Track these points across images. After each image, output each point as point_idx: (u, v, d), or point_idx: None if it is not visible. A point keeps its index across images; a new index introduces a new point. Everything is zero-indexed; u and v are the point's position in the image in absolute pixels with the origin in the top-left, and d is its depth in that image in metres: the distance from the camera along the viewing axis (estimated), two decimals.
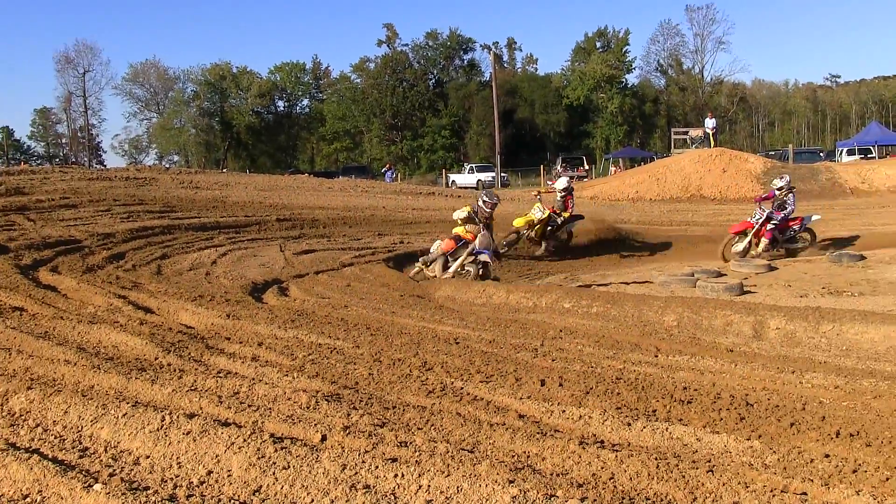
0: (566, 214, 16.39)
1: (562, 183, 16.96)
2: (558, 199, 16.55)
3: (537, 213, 15.87)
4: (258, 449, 3.45)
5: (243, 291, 9.36)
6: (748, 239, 14.84)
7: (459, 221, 12.79)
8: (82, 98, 78.91)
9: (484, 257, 12.14)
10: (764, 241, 14.84)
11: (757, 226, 14.82)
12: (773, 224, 14.88)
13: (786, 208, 14.98)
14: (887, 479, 3.41)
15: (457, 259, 12.34)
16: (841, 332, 6.99)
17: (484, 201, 13.15)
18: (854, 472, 3.50)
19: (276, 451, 3.43)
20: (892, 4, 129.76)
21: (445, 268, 12.28)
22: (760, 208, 14.86)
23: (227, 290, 9.36)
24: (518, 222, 15.97)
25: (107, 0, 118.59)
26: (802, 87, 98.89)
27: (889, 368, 5.90)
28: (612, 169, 57.67)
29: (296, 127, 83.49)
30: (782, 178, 15.77)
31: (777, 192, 15.14)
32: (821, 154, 54.00)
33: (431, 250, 12.83)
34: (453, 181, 54.18)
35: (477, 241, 12.22)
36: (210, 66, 78.30)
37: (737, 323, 7.62)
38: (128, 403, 4.04)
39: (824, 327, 7.09)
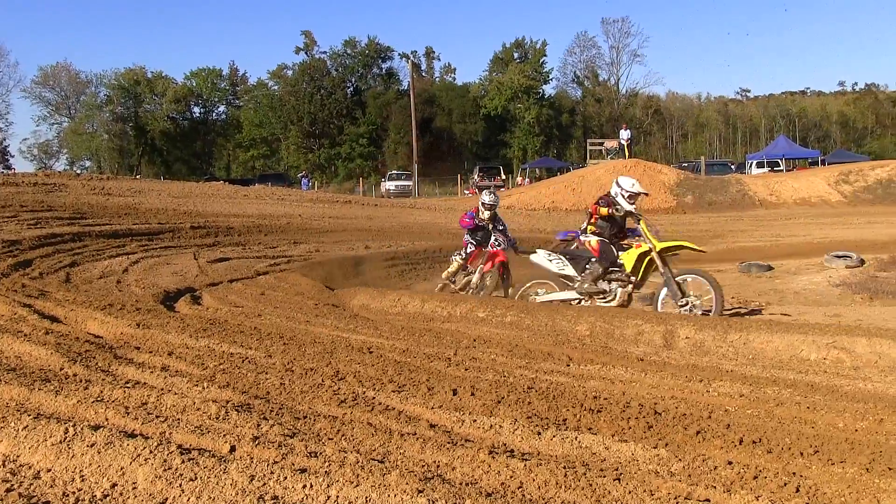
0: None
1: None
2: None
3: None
4: (165, 461, 3.39)
5: (155, 300, 9.18)
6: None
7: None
8: None
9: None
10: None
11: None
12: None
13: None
14: (785, 485, 3.52)
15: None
16: (748, 341, 7.16)
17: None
18: (755, 478, 3.60)
19: (183, 462, 3.37)
20: (798, 24, 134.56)
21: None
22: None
23: (139, 299, 9.17)
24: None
25: (15, 0, 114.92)
26: (714, 100, 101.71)
27: (792, 376, 6.08)
28: (519, 180, 58.34)
29: (212, 133, 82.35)
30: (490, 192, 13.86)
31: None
32: (731, 166, 55.63)
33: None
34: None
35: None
36: (124, 70, 76.71)
37: (648, 332, 7.75)
38: (29, 416, 3.92)
39: (732, 336, 7.26)
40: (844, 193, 34.82)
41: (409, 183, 55.18)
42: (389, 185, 55.44)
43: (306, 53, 78.63)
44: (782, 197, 34.75)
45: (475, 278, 12.25)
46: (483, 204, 12.44)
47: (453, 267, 12.57)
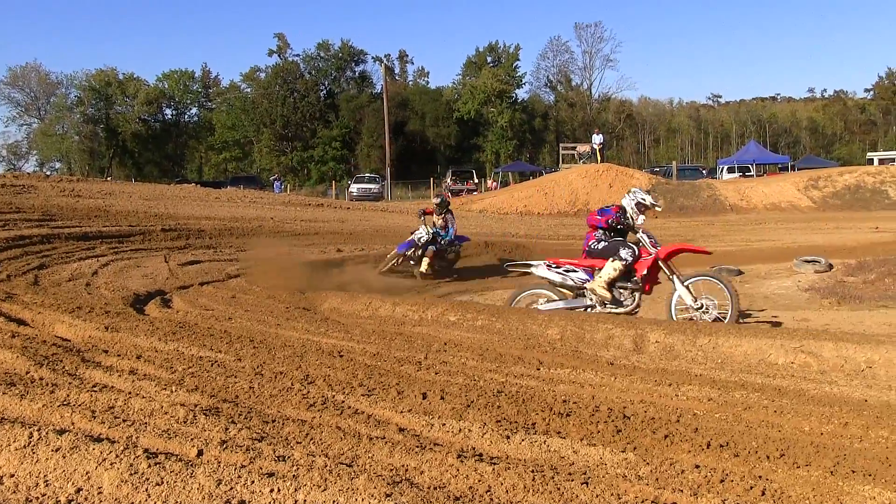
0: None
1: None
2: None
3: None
4: (131, 465, 3.36)
5: (124, 303, 9.10)
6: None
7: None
8: None
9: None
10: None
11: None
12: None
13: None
14: (751, 488, 3.55)
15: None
16: (717, 345, 7.22)
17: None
18: (721, 481, 3.63)
19: (149, 466, 3.35)
20: (768, 30, 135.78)
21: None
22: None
23: (108, 302, 9.09)
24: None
25: None
26: (686, 105, 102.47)
27: (759, 380, 6.14)
28: (489, 183, 58.40)
29: (184, 136, 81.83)
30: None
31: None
32: (703, 171, 56.08)
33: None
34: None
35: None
36: (95, 71, 76.04)
37: (618, 336, 7.78)
38: None
39: (701, 341, 7.31)
40: (814, 199, 35.20)
41: (373, 186, 54.62)
42: (352, 189, 54.92)
43: (279, 56, 78.43)
44: (753, 202, 35.07)
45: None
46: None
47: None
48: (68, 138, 75.23)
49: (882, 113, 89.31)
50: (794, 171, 51.84)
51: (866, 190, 35.70)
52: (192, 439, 3.81)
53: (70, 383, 4.86)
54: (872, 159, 57.84)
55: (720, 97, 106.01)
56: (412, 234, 15.65)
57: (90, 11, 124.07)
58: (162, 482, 3.25)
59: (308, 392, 4.99)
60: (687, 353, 7.27)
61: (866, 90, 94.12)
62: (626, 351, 7.49)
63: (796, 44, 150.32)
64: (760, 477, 3.71)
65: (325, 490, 3.19)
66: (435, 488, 3.40)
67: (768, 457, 4.03)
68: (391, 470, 3.59)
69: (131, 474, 3.30)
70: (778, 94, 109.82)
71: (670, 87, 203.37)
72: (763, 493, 3.50)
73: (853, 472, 3.80)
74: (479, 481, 3.47)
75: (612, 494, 3.38)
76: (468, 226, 25.47)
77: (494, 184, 57.77)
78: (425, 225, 15.74)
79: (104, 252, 13.68)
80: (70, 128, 75.20)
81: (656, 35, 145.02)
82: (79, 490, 3.24)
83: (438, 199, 16.52)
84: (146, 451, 3.55)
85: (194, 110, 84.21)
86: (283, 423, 4.23)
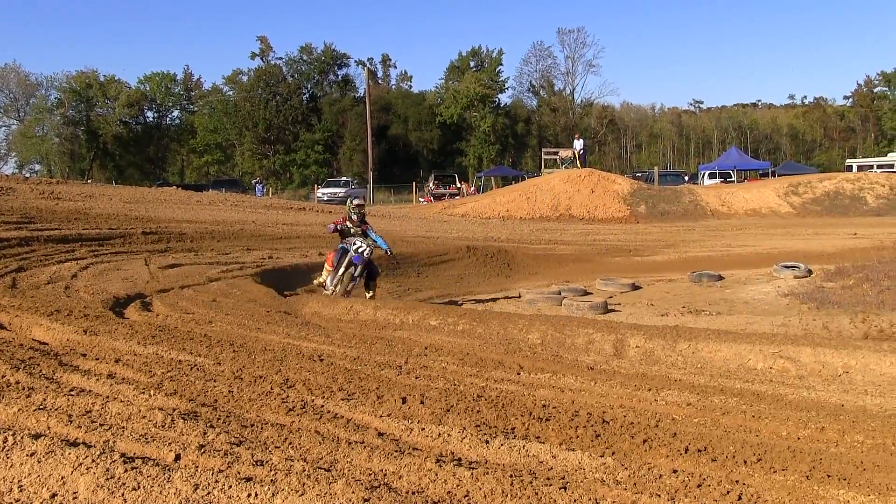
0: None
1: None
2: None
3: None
4: (107, 469, 3.34)
5: (104, 306, 9.04)
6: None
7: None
8: None
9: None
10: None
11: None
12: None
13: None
14: (728, 493, 3.56)
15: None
16: (696, 350, 7.24)
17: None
18: (699, 486, 3.64)
19: (126, 471, 3.33)
20: (750, 37, 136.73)
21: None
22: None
23: (87, 305, 9.02)
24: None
25: None
26: (668, 111, 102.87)
27: (738, 385, 6.16)
28: (464, 187, 58.34)
29: (165, 138, 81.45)
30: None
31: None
32: (684, 177, 56.26)
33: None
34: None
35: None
36: (76, 73, 75.62)
37: (598, 341, 7.79)
38: None
39: (681, 346, 7.33)
40: (793, 205, 35.38)
41: (339, 190, 54.09)
42: (319, 192, 54.09)
43: (262, 59, 78.29)
44: (733, 208, 35.21)
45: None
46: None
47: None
48: (48, 140, 74.73)
49: (861, 120, 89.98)
50: (775, 177, 52.11)
51: (845, 196, 35.94)
52: (169, 443, 3.80)
53: (47, 387, 4.83)
54: (851, 166, 58.28)
55: (702, 103, 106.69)
56: (353, 247, 12.60)
57: (71, 13, 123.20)
58: (138, 487, 3.24)
59: (287, 396, 4.98)
60: (667, 357, 7.28)
61: (845, 97, 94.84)
62: (606, 356, 7.49)
63: (777, 51, 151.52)
64: (737, 482, 3.73)
65: (302, 495, 3.18)
66: (413, 493, 3.40)
67: (745, 461, 4.05)
68: (369, 475, 3.58)
69: (107, 479, 3.28)
70: (759, 101, 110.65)
71: (652, 93, 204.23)
72: (740, 498, 3.51)
73: (829, 476, 3.82)
74: (458, 486, 3.47)
75: (589, 499, 3.39)
76: (451, 230, 25.52)
77: (472, 189, 57.69)
78: (363, 236, 12.91)
79: (84, 255, 13.60)
80: (50, 129, 74.69)
81: (638, 41, 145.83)
82: (54, 495, 3.22)
83: (359, 202, 13.33)
84: (123, 455, 3.53)
85: (176, 113, 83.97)
86: (261, 428, 4.22)
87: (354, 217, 12.94)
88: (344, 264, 12.54)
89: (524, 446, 4.11)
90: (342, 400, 4.95)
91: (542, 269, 17.89)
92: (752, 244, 22.93)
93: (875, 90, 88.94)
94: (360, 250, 12.54)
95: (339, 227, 12.98)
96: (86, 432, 3.93)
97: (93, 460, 3.41)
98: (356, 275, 12.60)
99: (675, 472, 3.82)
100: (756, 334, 7.90)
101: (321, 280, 12.90)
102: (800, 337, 7.82)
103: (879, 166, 54.29)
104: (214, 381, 5.37)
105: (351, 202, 13.25)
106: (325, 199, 50.10)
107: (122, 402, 4.54)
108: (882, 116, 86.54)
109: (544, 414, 4.86)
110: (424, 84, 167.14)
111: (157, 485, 3.25)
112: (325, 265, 12.88)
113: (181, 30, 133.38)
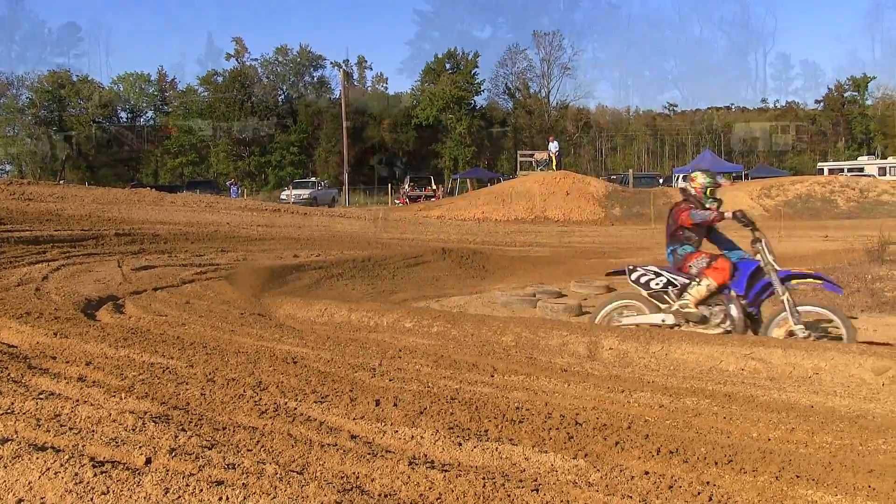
0: None
1: None
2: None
3: None
4: (76, 474, 3.32)
5: (75, 308, 8.96)
6: None
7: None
8: None
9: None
10: None
11: None
12: None
13: None
14: (699, 494, 3.58)
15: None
16: (669, 352, 7.27)
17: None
18: (670, 487, 3.66)
19: (95, 475, 3.31)
20: (722, 40, 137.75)
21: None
22: None
23: (58, 307, 8.94)
24: None
25: None
26: (643, 114, 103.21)
27: (710, 387, 6.19)
28: (438, 190, 58.31)
29: (139, 139, 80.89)
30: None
31: None
32: (659, 179, 56.57)
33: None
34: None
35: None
36: (48, 73, 74.97)
37: (572, 343, 7.81)
38: None
39: (654, 348, 7.36)
40: (766, 207, 35.72)
41: (304, 192, 53.66)
42: (283, 195, 53.17)
43: (237, 60, 77.96)
44: None
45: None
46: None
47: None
48: (19, 141, 73.98)
49: (832, 124, 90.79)
50: (748, 179, 52.57)
51: (816, 199, 36.37)
52: (140, 447, 3.77)
53: (15, 391, 4.78)
54: (822, 169, 58.94)
55: (676, 106, 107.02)
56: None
57: (42, 13, 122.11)
58: (108, 491, 3.21)
59: (260, 399, 4.96)
60: (640, 360, 7.31)
61: (816, 101, 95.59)
62: (580, 358, 7.50)
63: (750, 56, 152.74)
64: (708, 483, 3.75)
65: (274, 498, 3.17)
66: (385, 496, 3.39)
67: (716, 463, 4.07)
68: (342, 477, 3.57)
69: (76, 483, 3.25)
70: (732, 105, 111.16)
71: (627, 96, 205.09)
72: (710, 499, 3.54)
73: (798, 476, 3.86)
74: (430, 488, 3.47)
75: (562, 501, 3.40)
76: (426, 232, 25.52)
77: (442, 191, 57.67)
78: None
79: (55, 257, 13.49)
80: (21, 130, 73.96)
81: (613, 44, 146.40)
82: (20, 501, 3.19)
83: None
84: (92, 459, 3.50)
85: (150, 114, 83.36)
86: (233, 431, 4.20)
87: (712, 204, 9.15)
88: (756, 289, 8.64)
89: (497, 448, 4.11)
90: (315, 402, 4.94)
91: (517, 270, 17.88)
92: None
93: (845, 95, 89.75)
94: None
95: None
96: (54, 436, 3.89)
97: (61, 465, 3.38)
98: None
99: (646, 473, 3.83)
100: (728, 336, 7.96)
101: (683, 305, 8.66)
102: (770, 339, 7.89)
103: (850, 170, 54.95)
104: (187, 383, 5.33)
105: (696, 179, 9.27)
106: (292, 200, 49.28)
107: (92, 405, 4.51)
108: (852, 121, 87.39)
109: (518, 416, 4.86)
110: (400, 86, 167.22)
111: (127, 489, 3.23)
112: (704, 280, 8.68)
113: (155, 30, 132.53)
